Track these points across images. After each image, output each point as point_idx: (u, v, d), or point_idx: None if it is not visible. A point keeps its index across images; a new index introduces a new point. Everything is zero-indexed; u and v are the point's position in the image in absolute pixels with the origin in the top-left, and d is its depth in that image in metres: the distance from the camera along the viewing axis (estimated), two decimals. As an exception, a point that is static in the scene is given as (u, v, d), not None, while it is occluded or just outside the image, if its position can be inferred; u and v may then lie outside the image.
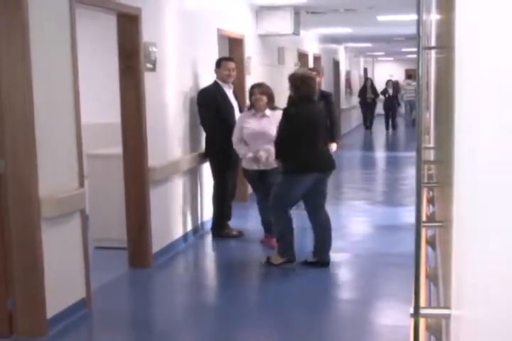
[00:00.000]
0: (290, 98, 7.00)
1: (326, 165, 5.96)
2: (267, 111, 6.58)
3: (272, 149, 6.14)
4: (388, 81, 23.03)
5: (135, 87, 5.86)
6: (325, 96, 8.12)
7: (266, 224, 6.71)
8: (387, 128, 21.84)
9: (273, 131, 6.26)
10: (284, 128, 5.77)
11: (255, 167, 6.63)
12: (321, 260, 5.97)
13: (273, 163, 6.38)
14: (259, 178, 6.67)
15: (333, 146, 7.83)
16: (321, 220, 6.02)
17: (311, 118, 5.81)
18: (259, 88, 6.64)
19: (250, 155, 6.55)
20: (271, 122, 6.44)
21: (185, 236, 6.93)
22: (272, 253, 6.07)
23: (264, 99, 6.57)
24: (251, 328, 4.72)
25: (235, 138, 6.66)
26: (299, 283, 5.60)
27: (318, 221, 6.03)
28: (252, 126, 6.56)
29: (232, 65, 7.14)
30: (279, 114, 6.25)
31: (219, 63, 7.13)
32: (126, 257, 6.08)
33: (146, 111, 5.96)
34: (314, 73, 7.38)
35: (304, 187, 5.83)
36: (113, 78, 6.16)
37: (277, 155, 5.93)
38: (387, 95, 22.24)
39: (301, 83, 5.83)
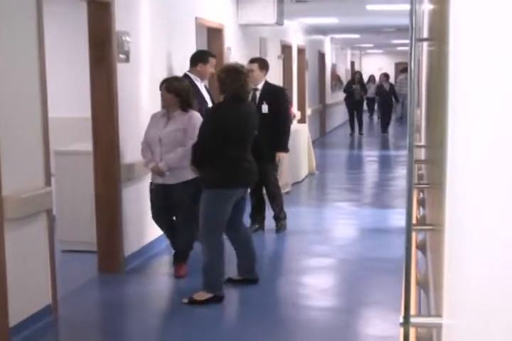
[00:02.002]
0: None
1: (252, 179, 5.55)
2: (177, 112, 5.78)
3: (174, 160, 5.68)
4: (383, 75, 21.70)
5: (107, 79, 5.84)
6: (272, 92, 7.43)
7: (179, 251, 6.08)
8: (383, 131, 20.46)
9: (175, 137, 5.69)
10: (206, 131, 5.21)
11: (158, 180, 5.84)
12: (250, 278, 5.72)
13: (180, 177, 5.75)
14: (162, 194, 5.84)
15: (281, 156, 7.31)
16: (244, 236, 5.72)
17: (238, 121, 5.28)
18: (167, 83, 5.78)
19: (151, 165, 5.79)
20: (176, 126, 5.73)
21: (159, 240, 6.91)
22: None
23: (170, 97, 5.73)
24: (228, 336, 4.71)
25: (143, 143, 5.91)
26: (282, 288, 5.60)
27: (241, 238, 5.69)
28: (153, 129, 5.81)
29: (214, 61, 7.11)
30: (190, 117, 5.73)
31: (206, 59, 6.94)
32: (96, 261, 6.05)
33: (119, 105, 5.94)
34: (256, 65, 7.21)
35: (233, 202, 5.35)
36: (83, 69, 6.14)
37: (195, 163, 5.35)
38: (384, 93, 20.96)
39: (225, 77, 5.28)
